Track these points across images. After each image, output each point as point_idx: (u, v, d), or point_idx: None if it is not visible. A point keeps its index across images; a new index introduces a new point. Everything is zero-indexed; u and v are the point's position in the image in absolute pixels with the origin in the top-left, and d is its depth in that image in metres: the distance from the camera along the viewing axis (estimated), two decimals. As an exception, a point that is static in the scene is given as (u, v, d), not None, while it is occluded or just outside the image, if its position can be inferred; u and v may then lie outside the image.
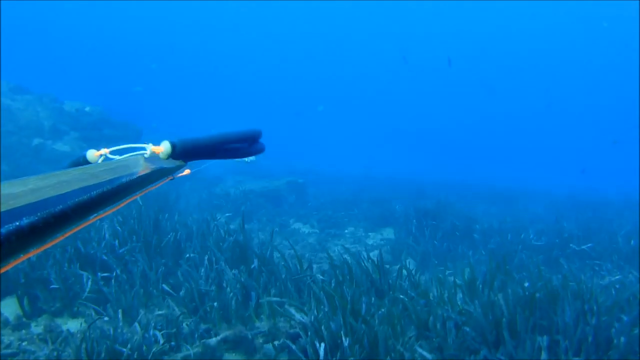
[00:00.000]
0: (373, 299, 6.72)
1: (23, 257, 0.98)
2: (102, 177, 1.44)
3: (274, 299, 6.44)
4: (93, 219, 1.28)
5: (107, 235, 7.81)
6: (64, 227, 1.11)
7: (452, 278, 8.06)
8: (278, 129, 61.92)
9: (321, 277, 7.28)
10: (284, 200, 18.38)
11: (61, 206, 1.10)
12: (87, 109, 19.35)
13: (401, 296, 6.43)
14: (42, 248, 1.06)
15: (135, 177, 1.57)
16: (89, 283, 6.80)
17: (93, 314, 6.55)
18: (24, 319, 6.48)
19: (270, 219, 15.23)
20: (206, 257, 7.57)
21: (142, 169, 1.70)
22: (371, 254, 12.08)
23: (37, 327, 6.40)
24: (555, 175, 40.98)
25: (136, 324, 5.71)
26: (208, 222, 9.76)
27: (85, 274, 6.95)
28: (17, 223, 0.94)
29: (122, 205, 1.51)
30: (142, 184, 1.63)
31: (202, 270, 7.10)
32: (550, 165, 51.94)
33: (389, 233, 14.19)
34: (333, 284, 6.94)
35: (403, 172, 37.88)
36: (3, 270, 0.94)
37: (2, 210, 0.98)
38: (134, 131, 20.46)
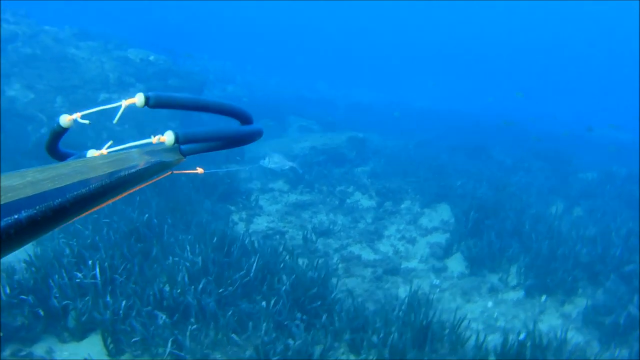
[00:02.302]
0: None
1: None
2: (102, 170, 1.47)
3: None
4: (91, 210, 1.34)
5: (186, 278, 8.55)
6: (62, 221, 1.14)
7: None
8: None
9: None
10: (345, 158, 18.96)
11: (60, 199, 1.12)
12: (151, 57, 19.64)
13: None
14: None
15: (134, 170, 1.60)
16: (170, 342, 7.65)
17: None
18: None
19: (330, 189, 15.84)
20: (272, 303, 8.28)
21: (142, 162, 1.72)
22: (424, 243, 12.87)
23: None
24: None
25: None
26: (276, 251, 10.25)
27: (162, 316, 7.81)
28: (16, 216, 0.97)
29: (121, 197, 1.55)
30: (142, 177, 1.67)
31: (264, 326, 7.82)
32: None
33: (444, 211, 14.68)
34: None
35: (461, 107, 37.80)
36: None
37: (1, 202, 1.00)
38: (198, 82, 20.81)
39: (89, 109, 1.77)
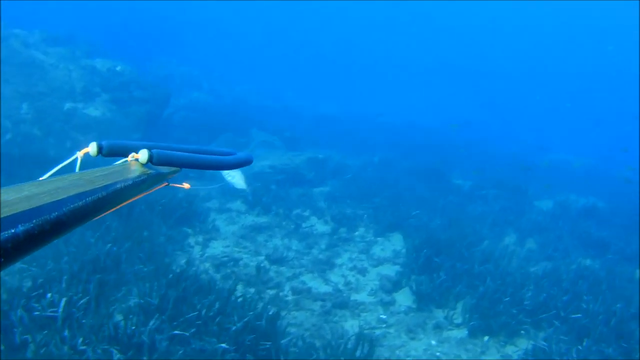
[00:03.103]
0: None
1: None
2: (98, 182, 1.47)
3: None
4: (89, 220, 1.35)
5: (140, 317, 8.64)
6: (59, 234, 1.16)
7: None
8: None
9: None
10: (304, 178, 19.21)
11: (56, 213, 1.13)
12: (118, 68, 19.68)
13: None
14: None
15: (130, 182, 1.62)
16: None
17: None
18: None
19: (287, 212, 15.97)
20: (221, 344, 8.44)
21: (138, 174, 1.74)
22: (375, 274, 13.10)
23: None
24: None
25: None
26: (230, 290, 10.05)
27: (117, 354, 7.90)
28: (13, 230, 0.98)
29: (117, 208, 1.57)
30: (138, 189, 1.69)
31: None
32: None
33: (397, 240, 14.94)
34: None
35: (428, 121, 38.27)
36: None
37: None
38: (163, 94, 20.88)
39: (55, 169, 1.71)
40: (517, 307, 11.30)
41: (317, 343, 9.77)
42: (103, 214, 1.47)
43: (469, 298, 11.79)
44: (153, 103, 19.80)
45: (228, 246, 13.45)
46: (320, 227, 15.64)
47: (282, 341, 9.09)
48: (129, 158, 1.88)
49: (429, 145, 28.76)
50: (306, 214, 16.32)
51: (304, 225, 15.55)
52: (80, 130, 17.48)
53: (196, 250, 12.85)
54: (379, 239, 15.10)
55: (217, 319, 8.97)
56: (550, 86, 72.85)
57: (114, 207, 1.53)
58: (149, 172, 1.81)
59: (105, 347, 7.94)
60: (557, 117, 56.65)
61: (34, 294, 8.62)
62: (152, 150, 1.86)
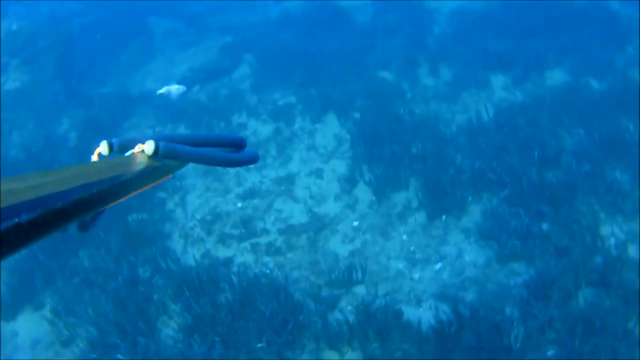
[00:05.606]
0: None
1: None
2: (104, 174, 1.48)
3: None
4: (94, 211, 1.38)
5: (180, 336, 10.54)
6: (63, 224, 1.18)
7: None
8: None
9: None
10: (223, 69, 19.94)
11: (61, 203, 1.15)
12: (13, 26, 19.03)
13: None
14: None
15: (136, 174, 1.63)
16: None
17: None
18: None
19: (227, 125, 17.02)
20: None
21: (145, 166, 1.74)
22: (330, 173, 14.74)
23: None
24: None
25: None
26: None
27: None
28: (16, 219, 1.00)
29: (122, 199, 1.59)
30: (144, 181, 1.70)
31: None
32: None
33: (332, 123, 16.25)
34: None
35: None
36: None
37: (1, 206, 1.02)
38: (65, 33, 20.28)
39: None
40: (458, 180, 13.28)
41: (320, 281, 11.87)
42: (108, 205, 1.49)
43: (415, 179, 13.61)
44: (60, 45, 19.64)
45: (201, 195, 14.79)
46: (262, 128, 16.75)
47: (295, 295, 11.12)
48: (136, 149, 1.88)
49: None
50: (243, 119, 17.34)
51: (248, 133, 16.76)
52: (9, 109, 17.64)
53: (179, 215, 14.25)
54: (317, 125, 16.32)
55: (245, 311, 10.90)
56: None
57: (120, 198, 1.56)
58: (155, 164, 1.81)
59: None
60: None
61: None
62: (158, 142, 1.85)
